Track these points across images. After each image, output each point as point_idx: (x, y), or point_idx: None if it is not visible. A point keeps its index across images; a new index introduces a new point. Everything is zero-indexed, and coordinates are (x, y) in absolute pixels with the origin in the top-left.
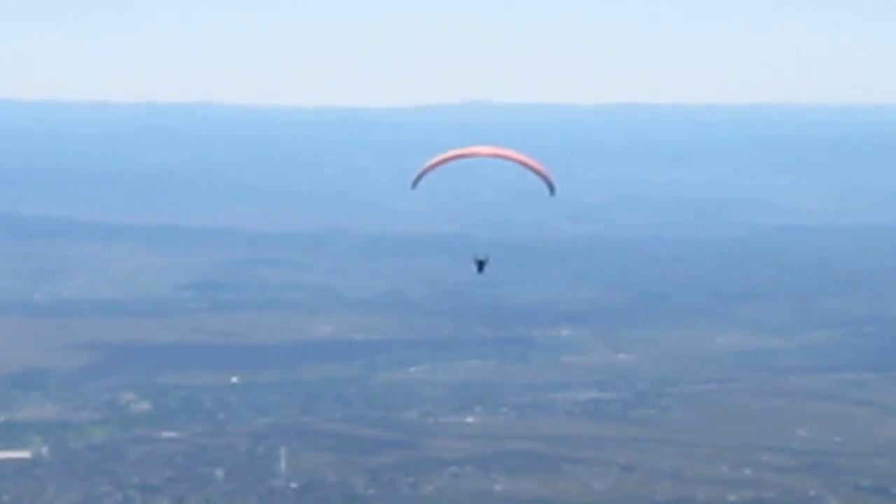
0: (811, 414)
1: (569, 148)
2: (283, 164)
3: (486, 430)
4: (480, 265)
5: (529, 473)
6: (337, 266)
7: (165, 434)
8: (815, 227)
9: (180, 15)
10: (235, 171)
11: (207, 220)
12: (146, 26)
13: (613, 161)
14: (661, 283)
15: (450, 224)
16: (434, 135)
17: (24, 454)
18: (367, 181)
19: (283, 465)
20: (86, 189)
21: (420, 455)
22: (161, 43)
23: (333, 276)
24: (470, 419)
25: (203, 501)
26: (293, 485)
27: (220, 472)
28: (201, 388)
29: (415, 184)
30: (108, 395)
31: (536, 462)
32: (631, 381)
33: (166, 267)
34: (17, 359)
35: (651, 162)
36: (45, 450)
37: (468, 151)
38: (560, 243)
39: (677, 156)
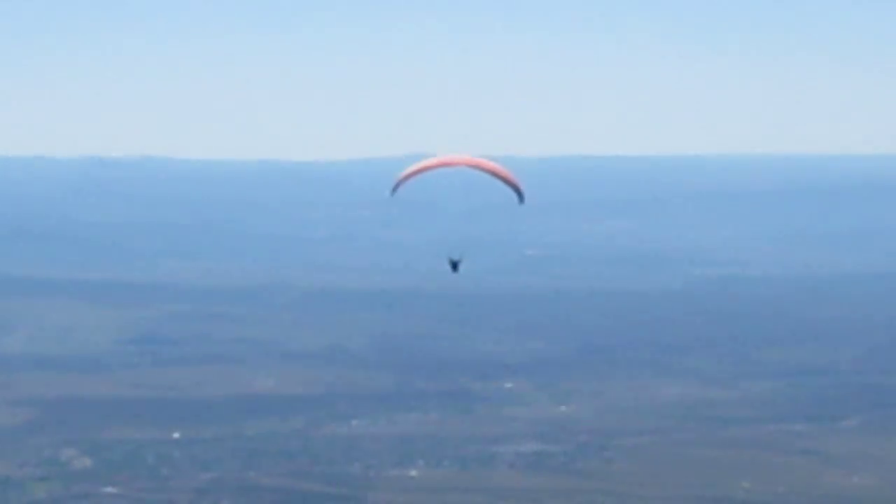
0: (755, 464)
1: (506, 200)
2: (224, 218)
3: (429, 483)
4: (455, 265)
5: None
6: (278, 319)
7: (107, 490)
8: (758, 278)
9: (123, 68)
10: (176, 225)
11: (149, 275)
12: (89, 79)
13: (555, 213)
14: (603, 335)
15: (391, 278)
16: (374, 188)
17: None
18: (309, 235)
19: None
20: (26, 244)
21: None
22: (103, 96)
23: (275, 329)
24: (413, 472)
25: None
26: None
27: None
28: (143, 443)
29: (393, 191)
30: (49, 451)
31: None
32: (573, 433)
33: (108, 321)
34: None
35: (592, 214)
36: None
37: (442, 161)
38: (501, 296)
39: (618, 207)
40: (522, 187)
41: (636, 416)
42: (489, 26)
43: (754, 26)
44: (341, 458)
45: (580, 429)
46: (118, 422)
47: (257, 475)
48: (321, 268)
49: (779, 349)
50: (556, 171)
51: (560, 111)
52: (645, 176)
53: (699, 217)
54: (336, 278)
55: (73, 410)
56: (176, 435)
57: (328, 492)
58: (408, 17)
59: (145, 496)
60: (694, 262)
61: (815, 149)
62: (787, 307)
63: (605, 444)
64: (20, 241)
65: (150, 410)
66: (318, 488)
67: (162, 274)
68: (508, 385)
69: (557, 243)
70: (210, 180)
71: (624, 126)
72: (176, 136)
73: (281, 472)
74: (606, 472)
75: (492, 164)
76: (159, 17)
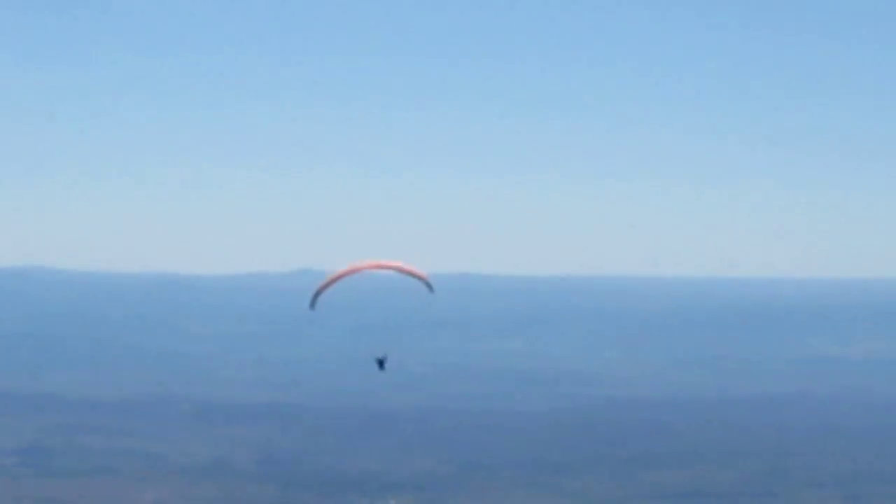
0: None
1: (397, 316)
2: (111, 330)
3: None
4: (381, 363)
5: None
6: (162, 433)
7: None
8: (644, 399)
9: (9, 178)
10: (61, 336)
11: (32, 385)
12: None
13: (442, 330)
14: (488, 454)
15: (278, 392)
16: (263, 301)
17: None
18: (196, 348)
19: None
20: None
21: None
22: None
23: (159, 443)
24: None
25: None
26: None
27: None
28: None
29: (312, 305)
30: None
31: None
32: None
33: None
34: None
35: (481, 332)
36: None
37: (352, 268)
38: (387, 412)
39: (507, 326)
40: (429, 280)
41: None
42: (378, 143)
43: (645, 147)
44: None
45: None
46: None
47: None
48: (206, 382)
49: (660, 472)
50: (445, 290)
51: (447, 229)
52: (533, 296)
53: (589, 338)
54: (221, 393)
55: None
56: None
57: None
58: (292, 137)
59: None
60: (581, 383)
61: (706, 270)
62: (673, 429)
63: None
64: None
65: None
66: None
67: (45, 386)
68: (392, 502)
69: (445, 362)
70: (97, 291)
71: (513, 246)
72: (65, 246)
73: None
74: None
75: (397, 263)
76: (48, 121)
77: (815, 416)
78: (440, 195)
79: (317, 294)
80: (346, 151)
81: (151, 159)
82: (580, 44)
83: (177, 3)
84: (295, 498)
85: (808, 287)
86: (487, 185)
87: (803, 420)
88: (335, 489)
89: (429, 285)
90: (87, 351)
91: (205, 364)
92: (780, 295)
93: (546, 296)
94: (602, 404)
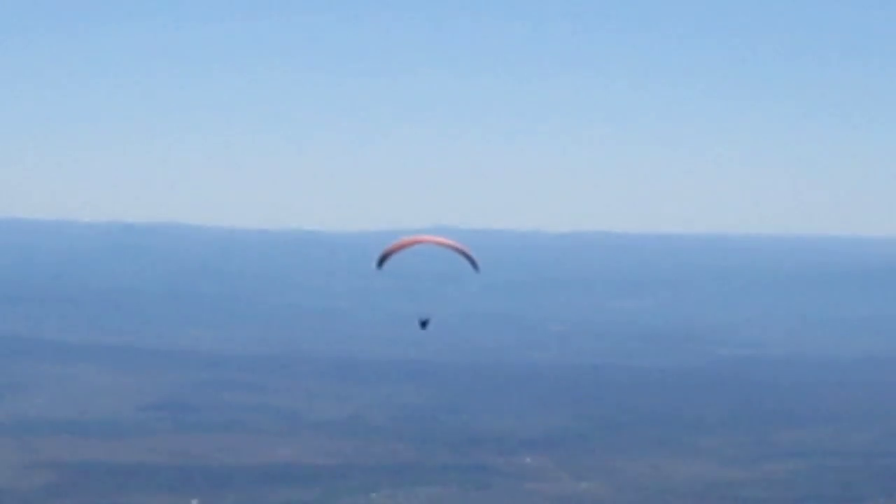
0: None
1: (532, 275)
2: (246, 286)
3: None
4: (424, 324)
5: None
6: (298, 389)
7: None
8: (776, 358)
9: (150, 136)
10: (199, 292)
11: (171, 341)
12: (116, 146)
13: (576, 289)
14: (622, 412)
15: (412, 350)
16: (396, 259)
17: None
18: (330, 305)
19: None
20: (50, 308)
21: None
22: (130, 163)
23: (295, 399)
24: None
25: None
26: None
27: None
28: None
29: (379, 265)
30: None
31: None
32: None
33: (129, 387)
34: None
35: (613, 290)
36: None
37: (414, 239)
38: (523, 370)
39: (639, 285)
40: (477, 260)
41: (655, 494)
42: (506, 103)
43: (778, 104)
44: None
45: None
46: (137, 488)
47: None
48: (342, 338)
49: (798, 430)
50: (579, 248)
51: (582, 187)
52: (669, 254)
53: (721, 297)
54: (357, 349)
55: (92, 475)
56: (194, 502)
57: None
58: (422, 101)
59: None
60: (714, 342)
61: (838, 231)
62: (807, 389)
63: None
64: (45, 305)
65: (169, 477)
66: None
67: (184, 341)
68: (528, 460)
69: (581, 320)
70: (233, 248)
71: (648, 204)
72: (201, 203)
73: None
74: None
75: (452, 241)
76: (187, 87)
77: None
78: (569, 151)
79: (383, 257)
80: (475, 112)
81: (284, 118)
82: None
83: None
84: (430, 455)
85: None
86: (622, 140)
87: None
88: (470, 446)
89: (474, 264)
90: (223, 307)
91: (339, 320)
92: None
93: (681, 254)
94: (735, 362)
